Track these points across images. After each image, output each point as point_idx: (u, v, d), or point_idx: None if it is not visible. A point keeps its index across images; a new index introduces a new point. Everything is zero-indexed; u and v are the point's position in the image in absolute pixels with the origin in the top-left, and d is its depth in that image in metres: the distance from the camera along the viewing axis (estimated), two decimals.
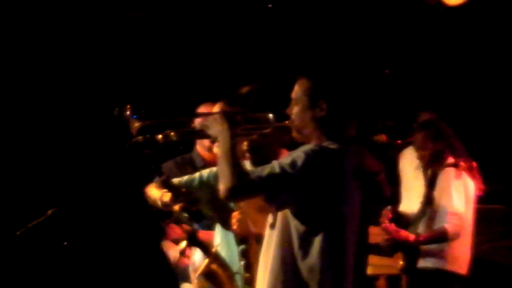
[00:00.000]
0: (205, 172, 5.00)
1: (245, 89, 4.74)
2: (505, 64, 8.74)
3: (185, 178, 5.04)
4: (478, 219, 6.40)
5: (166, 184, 4.84)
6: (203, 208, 4.96)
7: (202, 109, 5.05)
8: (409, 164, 7.26)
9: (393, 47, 8.85)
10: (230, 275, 4.74)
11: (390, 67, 8.75)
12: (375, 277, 7.09)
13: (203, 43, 8.24)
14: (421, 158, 6.65)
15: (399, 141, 6.80)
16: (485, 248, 6.82)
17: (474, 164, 6.61)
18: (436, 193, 6.55)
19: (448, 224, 6.30)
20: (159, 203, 4.83)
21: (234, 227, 4.72)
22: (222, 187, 4.06)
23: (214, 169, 4.86)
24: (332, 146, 4.07)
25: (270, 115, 4.34)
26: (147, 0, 7.87)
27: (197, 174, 5.03)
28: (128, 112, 4.31)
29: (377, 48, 8.60)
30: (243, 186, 4.04)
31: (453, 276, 6.39)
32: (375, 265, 6.76)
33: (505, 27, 8.46)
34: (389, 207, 6.76)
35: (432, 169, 6.66)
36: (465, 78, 8.83)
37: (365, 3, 8.27)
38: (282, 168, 4.00)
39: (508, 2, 8.03)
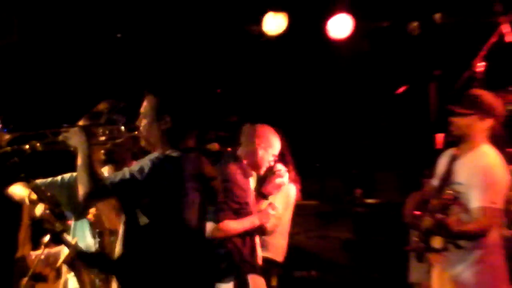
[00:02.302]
0: (67, 175, 4.95)
1: (100, 106, 4.73)
2: (314, 83, 8.97)
3: (49, 180, 4.97)
4: (296, 213, 6.47)
5: (32, 187, 4.80)
6: (63, 207, 4.93)
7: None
8: None
9: (222, 69, 9.00)
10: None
11: (221, 87, 8.86)
12: None
13: (63, 67, 8.15)
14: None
15: (229, 149, 6.89)
16: (301, 238, 7.00)
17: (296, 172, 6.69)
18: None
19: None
20: (27, 200, 4.77)
21: (91, 220, 4.71)
22: (81, 192, 4.03)
23: (75, 173, 4.87)
24: (174, 154, 4.09)
25: (122, 127, 4.34)
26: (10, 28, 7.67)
27: (59, 177, 4.97)
28: None
29: (210, 70, 8.70)
30: (99, 191, 4.02)
31: (272, 262, 6.45)
32: None
33: (312, 53, 8.72)
34: None
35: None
36: (283, 95, 9.02)
37: (200, 33, 8.36)
38: (131, 174, 4.01)
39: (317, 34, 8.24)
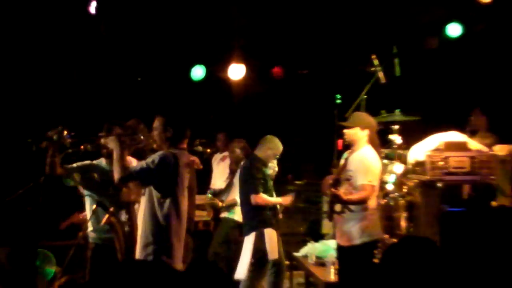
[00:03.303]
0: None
1: (129, 122, 4.79)
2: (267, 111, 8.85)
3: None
4: None
5: None
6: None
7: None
8: (216, 162, 7.25)
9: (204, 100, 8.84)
10: (121, 223, 4.73)
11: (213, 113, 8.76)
12: (198, 221, 7.03)
13: (108, 99, 7.90)
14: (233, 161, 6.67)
15: (208, 150, 6.85)
16: None
17: None
18: (236, 180, 6.51)
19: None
20: None
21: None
22: (116, 176, 4.12)
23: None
24: (174, 151, 4.18)
25: (142, 137, 4.41)
26: None
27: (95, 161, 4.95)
28: (64, 133, 4.35)
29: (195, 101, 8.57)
30: (126, 176, 4.11)
31: (240, 223, 6.36)
32: (197, 215, 6.62)
33: None
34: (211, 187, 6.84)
35: (236, 167, 6.61)
36: (246, 117, 8.87)
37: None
38: (147, 164, 4.09)
39: None
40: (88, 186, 4.85)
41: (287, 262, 6.36)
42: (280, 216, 5.99)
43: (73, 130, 4.44)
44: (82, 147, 4.40)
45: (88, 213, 4.90)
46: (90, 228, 4.86)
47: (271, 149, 5.97)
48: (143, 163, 4.13)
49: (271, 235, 5.74)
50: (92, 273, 4.82)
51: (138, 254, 4.16)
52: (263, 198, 5.77)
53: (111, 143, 4.22)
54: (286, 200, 5.92)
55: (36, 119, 6.82)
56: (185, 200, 4.17)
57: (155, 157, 4.13)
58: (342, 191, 4.84)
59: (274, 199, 5.87)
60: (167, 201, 4.10)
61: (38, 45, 6.98)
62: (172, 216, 4.10)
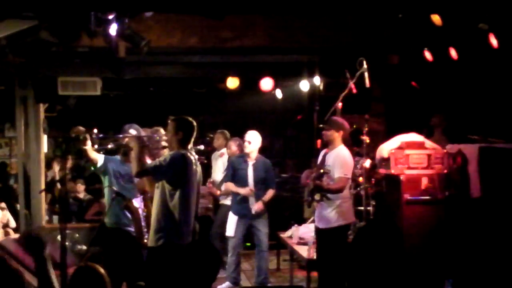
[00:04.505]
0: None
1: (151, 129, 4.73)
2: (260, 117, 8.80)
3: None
4: None
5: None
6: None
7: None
8: (215, 159, 7.14)
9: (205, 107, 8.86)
10: (137, 209, 4.72)
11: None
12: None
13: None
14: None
15: (209, 148, 6.89)
16: None
17: None
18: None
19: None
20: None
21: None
22: (133, 171, 4.12)
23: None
24: (182, 151, 4.16)
25: (157, 137, 4.41)
26: None
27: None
28: (94, 135, 4.39)
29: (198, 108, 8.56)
30: (143, 171, 4.10)
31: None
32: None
33: None
34: (211, 178, 6.84)
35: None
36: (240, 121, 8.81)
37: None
38: (160, 162, 4.08)
39: None
40: (105, 174, 4.85)
41: (274, 242, 6.41)
42: (257, 208, 5.88)
43: (103, 132, 4.46)
44: (109, 146, 4.43)
45: (107, 202, 4.90)
46: (108, 213, 4.86)
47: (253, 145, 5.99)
48: (156, 161, 4.11)
49: (230, 217, 5.90)
50: (108, 252, 4.82)
51: (151, 237, 4.14)
52: (227, 185, 5.99)
53: (131, 142, 4.22)
54: (243, 190, 5.85)
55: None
56: (192, 191, 4.13)
57: (167, 156, 4.12)
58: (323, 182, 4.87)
59: (234, 188, 5.90)
60: (177, 193, 4.07)
61: None
62: (180, 206, 4.06)
